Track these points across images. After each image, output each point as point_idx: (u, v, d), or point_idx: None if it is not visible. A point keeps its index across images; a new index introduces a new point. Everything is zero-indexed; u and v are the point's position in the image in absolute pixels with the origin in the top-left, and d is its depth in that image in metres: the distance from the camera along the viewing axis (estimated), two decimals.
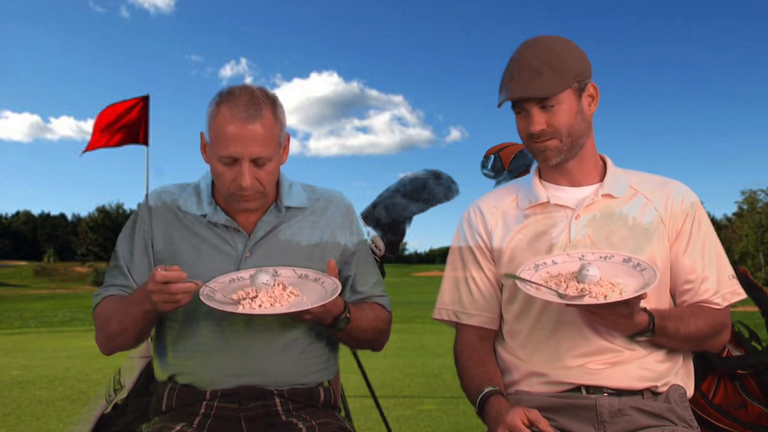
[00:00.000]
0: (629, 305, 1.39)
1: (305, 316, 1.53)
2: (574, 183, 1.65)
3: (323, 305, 1.49)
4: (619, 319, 1.43)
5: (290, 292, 1.53)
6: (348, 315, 1.62)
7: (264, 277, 1.51)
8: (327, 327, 1.63)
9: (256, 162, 1.57)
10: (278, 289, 1.52)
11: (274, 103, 1.61)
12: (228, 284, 1.58)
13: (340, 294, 1.54)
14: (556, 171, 1.66)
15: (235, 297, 1.52)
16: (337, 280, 1.56)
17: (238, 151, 1.54)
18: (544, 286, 1.43)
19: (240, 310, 1.47)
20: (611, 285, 1.40)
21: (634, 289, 1.39)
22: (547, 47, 1.55)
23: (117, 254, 1.73)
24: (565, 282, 1.44)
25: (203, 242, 1.68)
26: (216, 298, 1.51)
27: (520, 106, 1.57)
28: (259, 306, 1.48)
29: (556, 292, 1.41)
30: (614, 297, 1.37)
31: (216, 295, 1.52)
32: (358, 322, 1.66)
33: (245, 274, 1.59)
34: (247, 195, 1.60)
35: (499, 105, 1.59)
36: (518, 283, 1.45)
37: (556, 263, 1.52)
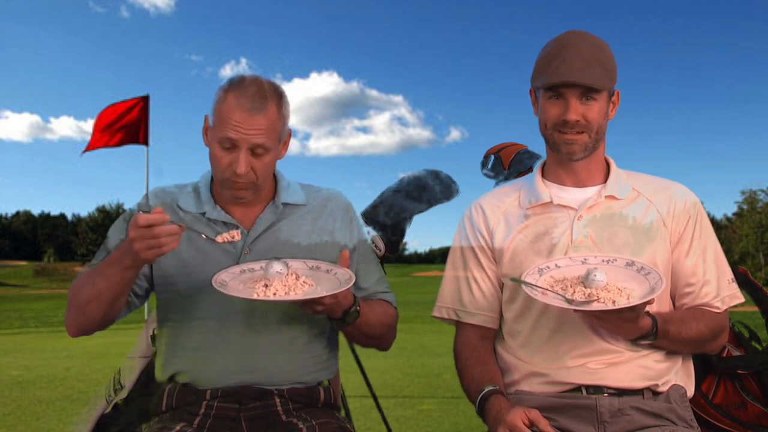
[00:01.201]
0: (635, 310, 1.38)
1: (317, 307, 1.52)
2: (579, 183, 1.65)
3: (335, 295, 1.49)
4: (625, 323, 1.43)
5: (304, 281, 1.53)
6: (357, 308, 1.61)
7: (278, 266, 1.51)
8: (336, 321, 1.63)
9: (254, 151, 1.59)
10: (292, 279, 1.52)
11: (280, 98, 1.64)
12: (239, 275, 1.58)
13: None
14: (563, 170, 1.66)
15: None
16: (350, 271, 1.56)
17: (238, 137, 1.56)
18: (551, 291, 1.43)
19: (255, 297, 1.47)
20: (618, 290, 1.39)
21: (641, 294, 1.38)
22: (597, 43, 1.56)
23: (108, 241, 1.72)
24: (571, 287, 1.43)
25: (202, 240, 1.67)
26: (228, 286, 1.51)
27: (558, 91, 1.55)
28: (274, 294, 1.47)
29: (564, 297, 1.40)
30: (622, 302, 1.35)
31: (228, 284, 1.53)
32: (367, 316, 1.66)
33: (256, 265, 1.60)
34: (239, 183, 1.61)
35: (542, 87, 1.56)
36: (525, 288, 1.44)
37: (559, 267, 1.51)
